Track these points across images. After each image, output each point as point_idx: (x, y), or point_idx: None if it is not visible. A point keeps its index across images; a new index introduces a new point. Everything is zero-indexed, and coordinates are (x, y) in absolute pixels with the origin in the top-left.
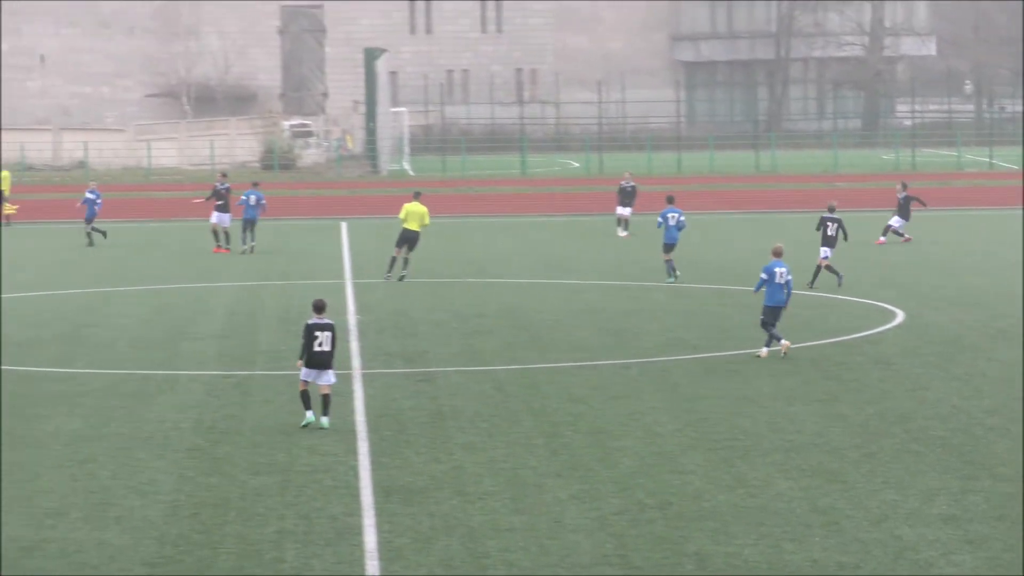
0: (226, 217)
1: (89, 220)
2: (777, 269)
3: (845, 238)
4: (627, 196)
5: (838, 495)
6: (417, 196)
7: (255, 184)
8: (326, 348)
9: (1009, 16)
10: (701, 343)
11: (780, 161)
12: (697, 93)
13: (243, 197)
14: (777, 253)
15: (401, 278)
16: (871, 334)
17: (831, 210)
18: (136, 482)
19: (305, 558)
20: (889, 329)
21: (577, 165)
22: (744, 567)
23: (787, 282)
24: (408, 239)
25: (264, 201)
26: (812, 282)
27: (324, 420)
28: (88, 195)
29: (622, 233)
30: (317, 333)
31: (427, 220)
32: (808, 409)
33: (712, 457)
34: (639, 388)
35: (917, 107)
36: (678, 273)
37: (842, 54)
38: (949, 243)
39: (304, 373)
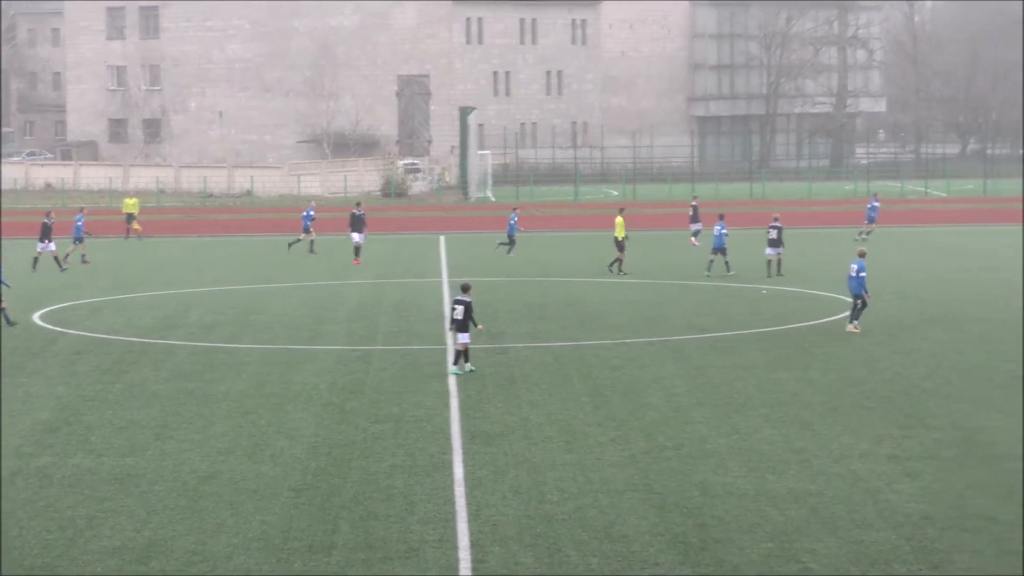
0: (360, 236)
1: (307, 231)
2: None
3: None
4: (695, 213)
5: (808, 439)
6: (622, 212)
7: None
8: (458, 317)
9: (943, 81)
10: (709, 326)
11: (768, 190)
12: (707, 140)
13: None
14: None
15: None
16: (834, 319)
17: (776, 217)
18: (285, 428)
19: (410, 484)
20: (846, 316)
21: (616, 193)
22: (737, 492)
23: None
24: (618, 244)
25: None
26: (769, 272)
27: (466, 366)
28: (309, 212)
29: (695, 242)
30: (455, 306)
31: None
32: (788, 375)
33: (715, 411)
34: (661, 359)
35: (871, 150)
36: (710, 274)
37: (815, 111)
38: (894, 251)
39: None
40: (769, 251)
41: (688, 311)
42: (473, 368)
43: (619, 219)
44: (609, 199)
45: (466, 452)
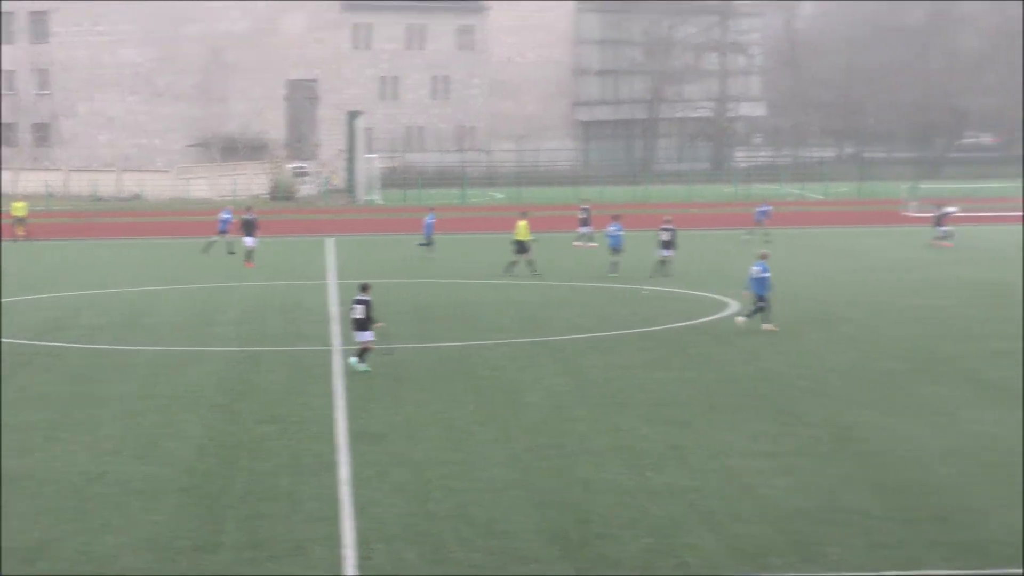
0: (252, 240)
1: (222, 233)
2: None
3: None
4: (586, 216)
5: (687, 437)
6: (524, 215)
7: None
8: (358, 316)
9: (821, 86)
10: (590, 327)
11: (651, 193)
12: (591, 144)
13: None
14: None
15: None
16: (712, 319)
17: (667, 219)
18: (173, 429)
19: (296, 484)
20: (725, 315)
21: (502, 196)
22: (617, 489)
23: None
24: (521, 246)
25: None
26: (654, 271)
27: (360, 365)
28: (223, 215)
29: (591, 244)
30: (354, 305)
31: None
32: (667, 375)
33: (595, 410)
34: (543, 359)
35: (751, 153)
36: (615, 273)
37: (697, 115)
38: (775, 253)
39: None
40: (662, 252)
41: (570, 312)
42: (368, 368)
43: (523, 222)
44: (494, 202)
45: (352, 452)
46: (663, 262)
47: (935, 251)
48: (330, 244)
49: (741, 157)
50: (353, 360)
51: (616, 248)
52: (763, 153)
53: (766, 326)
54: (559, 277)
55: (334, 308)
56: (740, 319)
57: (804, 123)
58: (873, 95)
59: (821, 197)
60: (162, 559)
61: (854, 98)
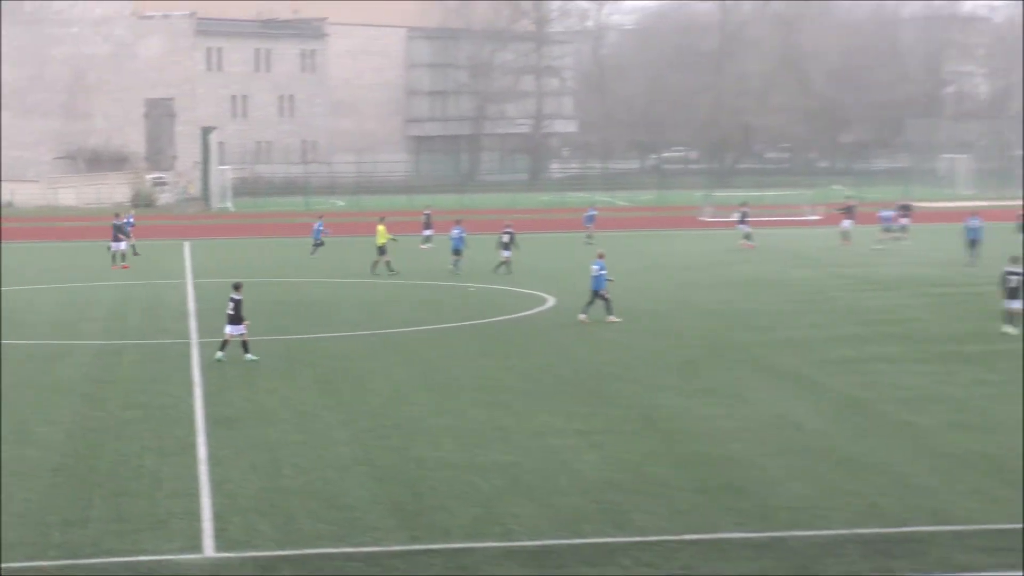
0: (120, 243)
1: (128, 236)
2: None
3: (515, 245)
4: (429, 220)
5: (510, 418)
6: (382, 220)
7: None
8: (231, 312)
9: (625, 107)
10: (426, 320)
11: (476, 201)
12: (422, 156)
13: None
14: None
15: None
16: (532, 313)
17: (508, 224)
18: (46, 416)
19: (159, 464)
20: (544, 310)
21: (342, 203)
22: (449, 465)
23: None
24: (380, 249)
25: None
26: (497, 268)
27: (247, 356)
28: (127, 220)
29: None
30: (229, 302)
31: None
32: (492, 362)
33: (431, 395)
34: (384, 350)
35: (564, 166)
36: (459, 272)
37: (516, 131)
38: (583, 253)
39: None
40: (503, 253)
41: (409, 308)
42: (255, 358)
43: (381, 227)
44: (336, 209)
45: (209, 435)
46: (504, 262)
47: (729, 251)
48: (187, 247)
49: (556, 168)
50: (220, 355)
51: (458, 249)
52: (575, 165)
53: (610, 318)
54: (407, 276)
55: (191, 305)
56: (609, 318)
57: (611, 138)
58: (671, 113)
59: (627, 204)
60: (35, 533)
61: (655, 116)
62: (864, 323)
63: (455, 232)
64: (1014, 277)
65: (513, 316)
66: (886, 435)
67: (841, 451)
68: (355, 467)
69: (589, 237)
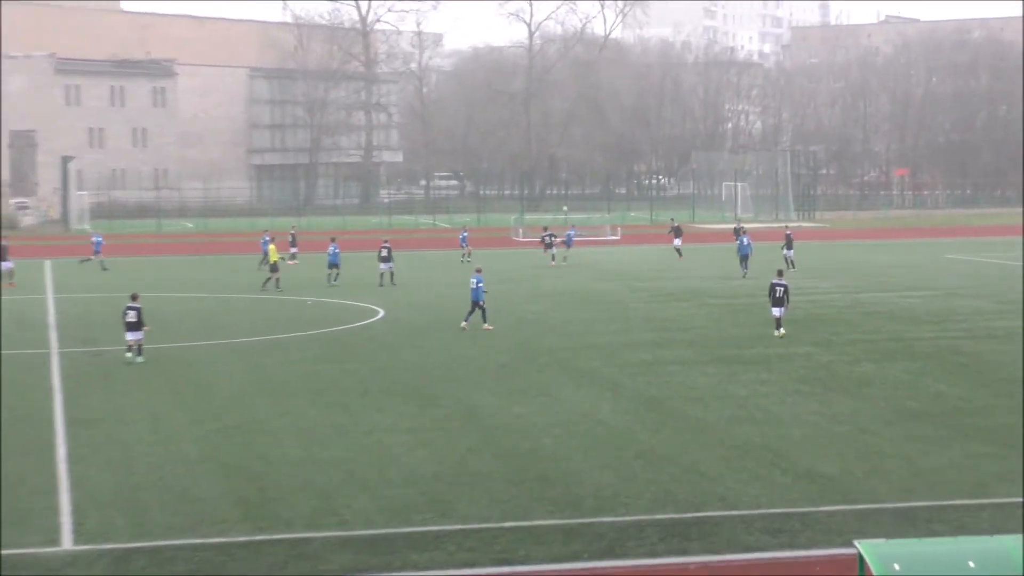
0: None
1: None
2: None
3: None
4: (295, 239)
5: (346, 417)
6: (272, 240)
7: None
8: (131, 320)
9: (445, 138)
10: (268, 330)
11: (314, 223)
12: (263, 183)
13: None
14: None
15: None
16: (365, 323)
17: (386, 240)
18: None
19: (20, 464)
20: (376, 320)
21: (191, 225)
22: (290, 461)
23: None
24: (273, 266)
25: None
26: (380, 282)
27: (138, 359)
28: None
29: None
30: (127, 311)
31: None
32: (328, 367)
33: (270, 397)
34: (229, 357)
35: (392, 191)
36: (336, 283)
37: (349, 160)
38: (415, 272)
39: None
40: (381, 266)
41: (253, 318)
42: (143, 359)
43: (272, 246)
44: (186, 231)
45: (68, 435)
46: (383, 274)
47: (539, 267)
48: (48, 265)
49: (384, 194)
50: (128, 356)
51: (334, 264)
52: (401, 191)
53: (486, 326)
54: (252, 290)
55: (52, 317)
56: (463, 323)
57: (433, 166)
58: (486, 144)
59: (448, 226)
60: None
61: (472, 147)
62: (658, 330)
63: (331, 248)
64: (779, 287)
65: (348, 326)
66: (679, 429)
67: (640, 444)
68: (203, 463)
69: (467, 255)
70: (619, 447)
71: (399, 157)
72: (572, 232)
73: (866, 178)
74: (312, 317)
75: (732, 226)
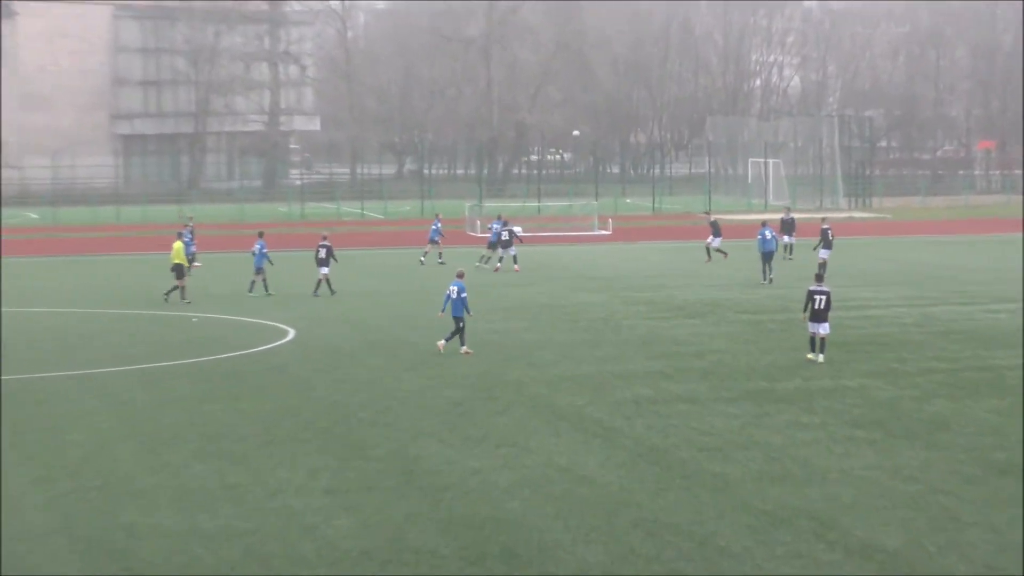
0: None
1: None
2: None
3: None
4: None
5: (242, 474)
6: (180, 236)
7: None
8: None
9: (377, 98)
10: (138, 357)
11: (199, 212)
12: (133, 160)
13: None
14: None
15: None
16: (269, 347)
17: (324, 236)
18: None
19: None
20: (284, 343)
21: (36, 216)
22: (166, 533)
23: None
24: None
25: None
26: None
27: None
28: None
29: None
30: None
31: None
32: (218, 407)
33: (142, 447)
34: (86, 393)
35: (305, 171)
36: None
37: (248, 129)
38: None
39: None
40: (322, 270)
41: (120, 341)
42: None
43: (177, 244)
44: (29, 223)
45: None
46: (322, 280)
47: (504, 272)
48: None
49: (296, 175)
50: None
51: (259, 268)
52: (323, 170)
53: (464, 350)
54: (125, 304)
55: None
56: (441, 342)
57: (362, 138)
58: (432, 109)
59: (382, 217)
60: None
61: (411, 112)
62: (661, 356)
63: (258, 247)
64: (819, 297)
65: (245, 352)
66: (690, 489)
67: (638, 509)
68: (51, 536)
69: (439, 255)
70: (610, 513)
71: (315, 124)
72: (496, 225)
73: (939, 153)
74: (199, 339)
75: (764, 217)
